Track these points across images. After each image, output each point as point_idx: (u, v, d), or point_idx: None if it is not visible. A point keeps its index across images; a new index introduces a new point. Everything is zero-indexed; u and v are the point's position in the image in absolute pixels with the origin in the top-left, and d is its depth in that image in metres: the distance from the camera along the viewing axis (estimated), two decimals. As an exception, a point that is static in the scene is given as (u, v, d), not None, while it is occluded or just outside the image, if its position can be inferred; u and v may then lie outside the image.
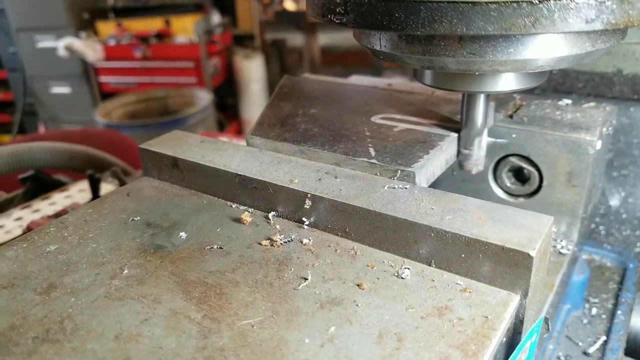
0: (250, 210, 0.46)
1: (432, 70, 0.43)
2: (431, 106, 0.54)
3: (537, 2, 0.29)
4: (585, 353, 0.61)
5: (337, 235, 0.41)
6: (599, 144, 0.52)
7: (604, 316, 0.67)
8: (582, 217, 0.55)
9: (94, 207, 0.48)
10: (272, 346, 0.31)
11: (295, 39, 4.64)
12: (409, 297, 0.35)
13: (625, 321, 0.65)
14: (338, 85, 0.62)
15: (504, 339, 0.34)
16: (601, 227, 0.90)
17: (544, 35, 0.34)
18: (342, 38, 4.73)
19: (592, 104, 0.64)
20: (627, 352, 0.66)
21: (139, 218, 0.45)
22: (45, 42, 3.81)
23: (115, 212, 0.47)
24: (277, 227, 0.43)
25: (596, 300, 0.69)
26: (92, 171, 0.87)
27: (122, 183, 0.85)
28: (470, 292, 0.35)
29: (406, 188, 0.41)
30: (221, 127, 4.32)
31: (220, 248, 0.41)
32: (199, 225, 0.44)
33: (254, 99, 4.54)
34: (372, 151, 0.45)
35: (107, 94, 3.89)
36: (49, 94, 3.98)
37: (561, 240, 0.55)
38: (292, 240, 0.41)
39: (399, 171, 0.43)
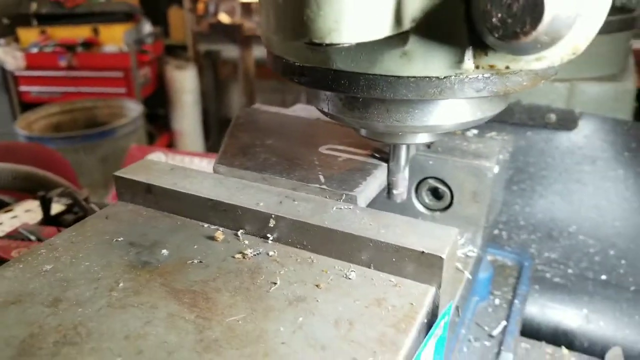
0: (220, 229, 0.54)
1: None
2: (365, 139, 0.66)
3: (442, 77, 0.41)
4: (490, 335, 0.75)
5: (297, 247, 0.51)
6: (496, 169, 0.66)
7: (504, 305, 0.82)
8: (484, 226, 0.69)
9: (77, 230, 0.54)
10: (256, 335, 0.41)
11: (229, 50, 4.65)
12: (355, 292, 0.45)
13: (521, 309, 0.80)
14: (287, 117, 0.73)
15: (425, 320, 0.45)
16: (503, 232, 1.07)
17: (449, 107, 0.46)
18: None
19: (494, 133, 0.79)
20: (522, 333, 0.82)
21: (122, 239, 0.53)
22: (-42, 49, 3.58)
23: (99, 234, 0.54)
24: (246, 242, 0.52)
25: (499, 292, 0.85)
26: (43, 192, 0.90)
27: (76, 202, 0.89)
28: (399, 286, 0.46)
29: (350, 208, 0.52)
30: (151, 139, 4.24)
31: (200, 262, 0.49)
32: (177, 244, 0.52)
33: (187, 111, 4.48)
34: (322, 178, 0.56)
35: (28, 105, 3.71)
36: (-39, 104, 3.72)
37: (468, 245, 0.69)
38: (260, 253, 0.51)
39: (344, 195, 0.54)
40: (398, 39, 0.39)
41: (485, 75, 0.42)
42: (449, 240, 0.47)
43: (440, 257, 0.45)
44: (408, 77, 0.41)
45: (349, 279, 0.47)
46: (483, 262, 0.83)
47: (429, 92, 0.42)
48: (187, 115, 4.45)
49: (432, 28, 0.38)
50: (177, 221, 0.56)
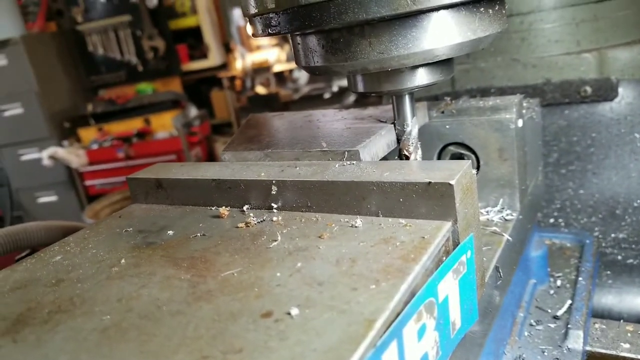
0: (227, 208, 0.53)
1: (357, 74, 0.53)
2: (375, 117, 0.64)
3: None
4: (555, 317, 0.66)
5: (302, 211, 0.48)
6: (520, 122, 0.61)
7: (568, 286, 0.72)
8: (520, 188, 0.63)
9: (91, 229, 0.54)
10: (251, 282, 0.37)
11: (270, 121, 4.85)
12: (361, 236, 0.41)
13: (587, 285, 0.70)
14: (296, 114, 0.72)
15: (444, 257, 0.40)
16: (560, 220, 0.97)
17: (433, 28, 0.43)
18: (314, 116, 4.97)
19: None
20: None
21: (131, 229, 0.52)
22: (29, 155, 3.94)
23: (110, 229, 0.53)
24: (251, 214, 0.50)
25: (560, 274, 0.75)
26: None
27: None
28: (410, 226, 0.42)
29: (353, 164, 0.49)
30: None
31: (204, 235, 0.47)
32: (184, 225, 0.51)
33: (238, 183, 4.62)
34: (324, 144, 0.53)
35: (93, 197, 3.96)
36: (36, 204, 4.04)
37: (505, 210, 0.63)
38: (264, 220, 0.48)
39: (346, 152, 0.51)
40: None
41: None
42: (459, 169, 0.43)
43: (449, 184, 0.41)
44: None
45: (356, 227, 0.43)
46: (533, 241, 0.75)
47: (402, 4, 0.40)
48: (239, 187, 4.59)
49: None
50: (186, 209, 0.55)
